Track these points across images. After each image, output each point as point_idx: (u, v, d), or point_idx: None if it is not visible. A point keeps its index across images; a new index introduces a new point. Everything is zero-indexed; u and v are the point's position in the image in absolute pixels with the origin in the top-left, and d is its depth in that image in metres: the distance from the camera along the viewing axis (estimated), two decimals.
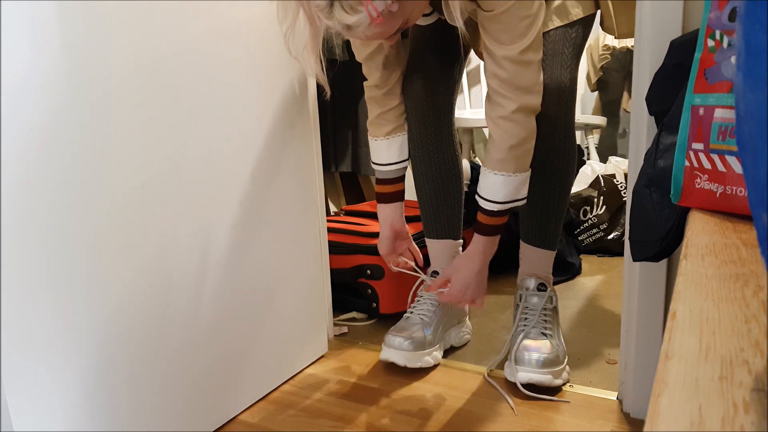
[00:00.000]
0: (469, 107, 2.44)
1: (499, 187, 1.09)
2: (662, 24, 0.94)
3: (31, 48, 0.76)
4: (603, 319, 1.52)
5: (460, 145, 2.26)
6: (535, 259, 1.27)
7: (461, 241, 1.37)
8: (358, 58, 1.19)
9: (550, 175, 1.17)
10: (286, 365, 1.28)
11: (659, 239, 0.70)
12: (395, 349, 1.26)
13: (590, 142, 2.81)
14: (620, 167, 2.14)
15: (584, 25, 1.16)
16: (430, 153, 1.28)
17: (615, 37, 1.25)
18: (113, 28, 0.86)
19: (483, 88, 2.49)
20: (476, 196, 1.13)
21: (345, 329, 1.52)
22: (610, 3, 1.17)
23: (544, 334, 1.20)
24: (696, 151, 0.60)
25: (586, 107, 3.53)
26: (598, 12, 1.19)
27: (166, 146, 0.96)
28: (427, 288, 1.28)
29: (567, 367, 1.21)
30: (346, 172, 2.10)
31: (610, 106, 3.20)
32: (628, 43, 2.90)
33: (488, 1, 0.97)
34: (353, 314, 1.59)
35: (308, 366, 1.34)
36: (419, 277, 1.36)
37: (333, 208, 2.14)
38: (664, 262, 1.02)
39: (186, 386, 1.03)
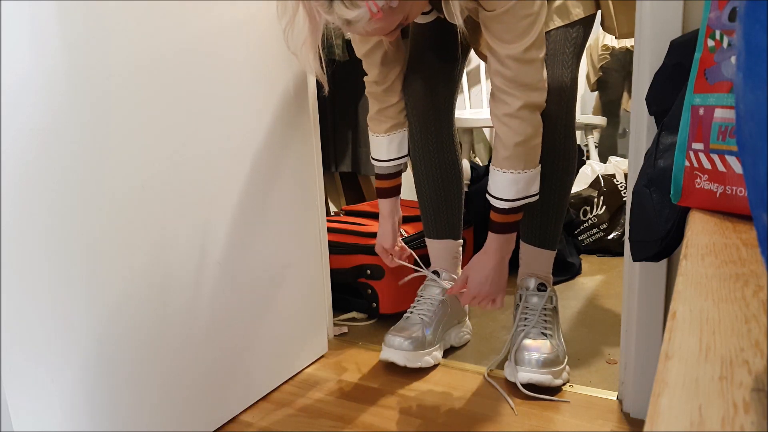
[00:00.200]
0: (469, 107, 2.44)
1: (508, 184, 1.09)
2: (662, 24, 0.94)
3: (31, 48, 0.76)
4: (603, 319, 1.52)
5: (460, 145, 2.26)
6: (535, 259, 1.27)
7: (461, 241, 1.37)
8: (358, 54, 1.19)
9: (550, 175, 1.17)
10: (286, 365, 1.28)
11: (659, 239, 0.70)
12: (395, 349, 1.26)
13: (590, 142, 2.81)
14: (620, 167, 2.14)
15: (585, 25, 1.16)
16: (431, 153, 1.28)
17: (616, 37, 1.25)
18: (113, 28, 0.86)
19: (483, 88, 2.49)
20: (487, 195, 1.13)
21: (345, 329, 1.52)
22: (610, 3, 1.17)
23: (544, 334, 1.20)
24: (696, 151, 0.60)
25: (586, 107, 3.53)
26: (599, 12, 1.19)
27: (166, 146, 0.96)
28: (449, 290, 1.28)
29: (567, 367, 1.21)
30: (346, 172, 2.10)
31: (610, 106, 3.20)
32: (627, 43, 2.90)
33: (490, 0, 0.97)
34: (353, 314, 1.59)
35: (308, 366, 1.34)
36: (419, 275, 1.36)
37: (333, 208, 2.14)
38: (664, 262, 1.02)
39: (186, 386, 1.03)
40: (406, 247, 1.37)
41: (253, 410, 1.17)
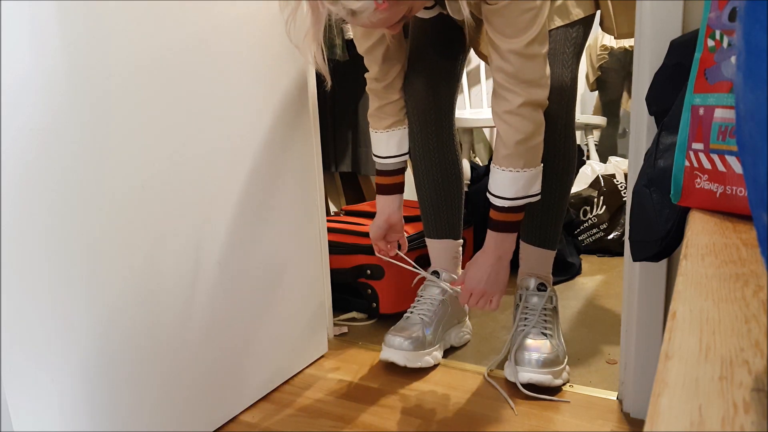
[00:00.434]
0: (469, 107, 2.44)
1: (508, 183, 1.08)
2: (662, 24, 0.94)
3: (31, 48, 0.76)
4: (603, 319, 1.52)
5: (460, 145, 2.26)
6: (535, 259, 1.27)
7: (461, 241, 1.37)
8: (360, 50, 1.19)
9: (550, 175, 1.17)
10: (286, 365, 1.28)
11: (659, 239, 0.70)
12: (395, 348, 1.26)
13: (590, 142, 2.81)
14: (620, 167, 2.14)
15: (584, 25, 1.16)
16: (431, 152, 1.28)
17: (615, 38, 1.25)
18: (113, 28, 0.86)
19: (483, 88, 2.49)
20: (487, 193, 1.13)
21: (345, 329, 1.52)
22: (609, 3, 1.17)
23: (544, 334, 1.20)
24: (696, 151, 0.60)
25: (586, 107, 3.53)
26: (598, 12, 1.19)
27: (166, 146, 0.96)
28: (453, 283, 1.28)
29: (567, 367, 1.21)
30: (346, 172, 2.10)
31: (610, 106, 3.20)
32: (626, 43, 2.90)
33: None
34: (353, 314, 1.59)
35: (308, 366, 1.34)
36: (418, 274, 1.36)
37: (333, 208, 2.14)
38: (664, 262, 1.02)
39: (186, 386, 1.03)
40: (402, 242, 1.36)
41: (253, 410, 1.17)
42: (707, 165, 0.59)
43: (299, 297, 1.30)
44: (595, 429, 1.06)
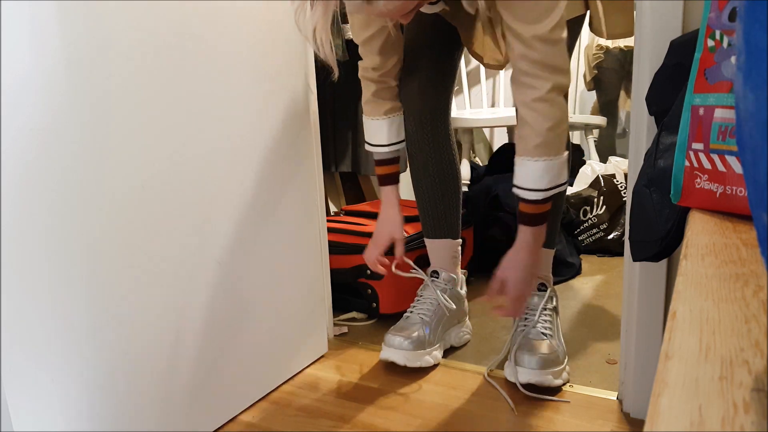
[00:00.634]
0: (469, 107, 2.44)
1: (541, 173, 1.04)
2: (662, 24, 0.94)
3: (31, 48, 0.76)
4: (603, 319, 1.52)
5: (460, 145, 2.26)
6: None
7: (460, 240, 1.37)
8: (357, 39, 1.17)
9: None
10: (286, 365, 1.28)
11: (659, 239, 0.70)
12: (395, 348, 1.26)
13: (590, 142, 2.81)
14: (620, 167, 2.14)
15: (574, 25, 1.16)
16: (427, 152, 1.28)
17: (605, 38, 1.24)
18: (113, 28, 0.86)
19: (483, 88, 2.49)
20: (514, 189, 1.08)
21: (345, 329, 1.52)
22: (599, 3, 1.16)
23: (544, 334, 1.20)
24: (696, 151, 0.60)
25: (585, 107, 3.53)
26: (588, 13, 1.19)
27: (166, 146, 0.96)
28: (487, 297, 1.19)
29: (567, 367, 1.21)
30: (346, 172, 2.10)
31: (608, 106, 3.20)
32: (621, 43, 2.90)
33: None
34: (353, 314, 1.59)
35: (308, 366, 1.34)
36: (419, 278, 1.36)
37: (333, 208, 2.14)
38: (664, 262, 1.02)
39: (186, 386, 1.03)
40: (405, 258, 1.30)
41: (253, 410, 1.17)
42: (707, 165, 0.59)
43: (299, 297, 1.30)
44: (595, 429, 1.06)
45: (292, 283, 1.27)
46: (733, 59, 0.57)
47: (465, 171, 2.11)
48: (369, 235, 1.55)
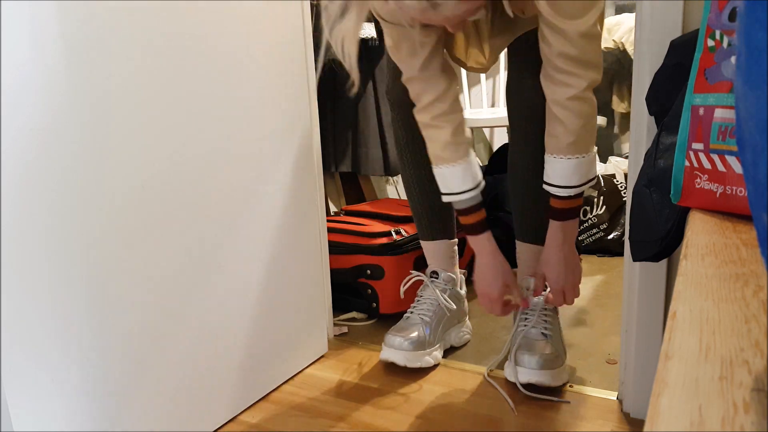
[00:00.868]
0: (469, 107, 2.44)
1: (573, 170, 1.04)
2: (662, 24, 0.94)
3: (31, 48, 0.76)
4: (603, 319, 1.52)
5: None
6: (532, 256, 1.27)
7: (456, 240, 1.37)
8: (411, 73, 1.06)
9: (538, 171, 1.18)
10: (286, 365, 1.28)
11: (659, 239, 0.70)
12: (395, 348, 1.26)
13: None
14: (620, 167, 2.14)
15: None
16: (420, 158, 1.27)
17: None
18: (113, 28, 0.86)
19: (483, 88, 2.49)
20: (546, 186, 1.08)
21: (345, 329, 1.52)
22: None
23: (545, 334, 1.20)
24: (696, 151, 0.60)
25: None
26: None
27: (166, 146, 0.96)
28: (536, 293, 1.20)
29: (567, 367, 1.21)
30: (346, 172, 2.10)
31: (605, 108, 3.21)
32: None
33: None
34: (353, 314, 1.59)
35: (308, 366, 1.34)
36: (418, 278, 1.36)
37: (333, 208, 2.14)
38: (664, 262, 1.02)
39: (186, 386, 1.03)
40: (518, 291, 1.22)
41: (253, 410, 1.17)
42: (707, 165, 0.59)
43: (299, 297, 1.30)
44: (595, 429, 1.06)
45: (292, 283, 1.27)
46: (733, 59, 0.57)
47: None
48: (369, 235, 1.55)
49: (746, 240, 0.52)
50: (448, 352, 1.37)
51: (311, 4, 1.31)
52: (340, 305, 1.58)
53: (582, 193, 1.09)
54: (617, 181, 2.08)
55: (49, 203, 0.80)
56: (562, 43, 0.96)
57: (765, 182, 0.27)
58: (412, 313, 1.33)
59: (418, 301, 1.35)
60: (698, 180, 0.60)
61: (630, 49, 2.63)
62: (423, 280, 1.36)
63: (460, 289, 1.38)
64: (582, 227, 2.04)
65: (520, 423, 1.08)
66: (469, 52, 1.19)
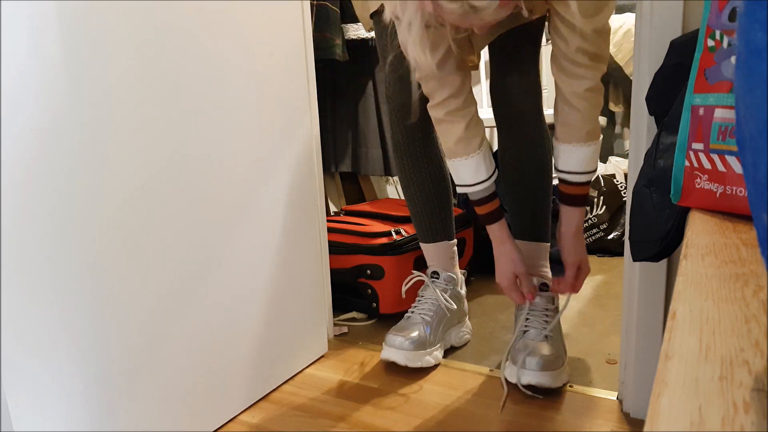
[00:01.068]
0: None
1: (591, 156, 1.10)
2: (662, 24, 0.94)
3: (31, 48, 0.76)
4: (603, 319, 1.52)
5: None
6: (530, 254, 1.27)
7: (455, 240, 1.37)
8: (426, 72, 1.06)
9: (529, 165, 1.18)
10: (286, 365, 1.28)
11: (659, 239, 0.70)
12: (396, 348, 1.26)
13: None
14: (620, 167, 2.14)
15: (542, 24, 1.18)
16: (418, 159, 1.28)
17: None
18: (113, 28, 0.86)
19: (483, 88, 2.49)
20: (561, 174, 1.12)
21: (345, 329, 1.52)
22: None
23: (545, 335, 1.20)
24: (696, 151, 0.60)
25: None
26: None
27: (167, 146, 0.96)
28: (563, 288, 1.21)
29: (567, 367, 1.21)
30: (346, 172, 2.10)
31: (604, 108, 3.21)
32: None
33: None
34: (353, 314, 1.59)
35: (308, 366, 1.34)
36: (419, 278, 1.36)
37: (333, 208, 2.14)
38: (664, 262, 1.02)
39: (186, 386, 1.03)
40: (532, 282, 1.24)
41: (253, 410, 1.17)
42: (707, 165, 0.59)
43: (299, 297, 1.30)
44: (595, 429, 1.06)
45: (292, 283, 1.27)
46: (733, 59, 0.57)
47: None
48: (369, 235, 1.55)
49: (746, 240, 0.52)
50: (449, 352, 1.37)
51: (311, 4, 1.31)
52: (340, 305, 1.58)
53: (591, 180, 1.14)
54: (617, 181, 2.08)
55: (50, 203, 0.80)
56: (580, 41, 0.99)
57: (765, 182, 0.27)
58: (413, 312, 1.33)
59: (419, 300, 1.35)
60: (698, 180, 0.60)
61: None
62: (423, 280, 1.36)
63: (461, 289, 1.38)
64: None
65: (521, 423, 1.08)
66: (462, 51, 1.20)
